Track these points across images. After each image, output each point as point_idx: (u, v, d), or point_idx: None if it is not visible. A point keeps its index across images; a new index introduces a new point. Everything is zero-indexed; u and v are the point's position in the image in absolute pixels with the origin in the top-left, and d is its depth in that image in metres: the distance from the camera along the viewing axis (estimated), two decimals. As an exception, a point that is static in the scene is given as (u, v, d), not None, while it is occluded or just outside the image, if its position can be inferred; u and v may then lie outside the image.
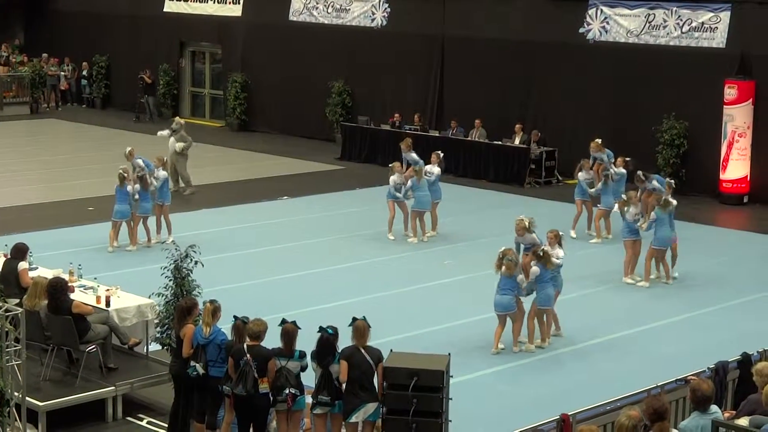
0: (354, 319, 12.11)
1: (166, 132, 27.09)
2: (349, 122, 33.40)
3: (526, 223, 17.38)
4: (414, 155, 24.12)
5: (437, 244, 22.55)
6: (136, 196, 21.31)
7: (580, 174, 23.34)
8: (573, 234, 22.56)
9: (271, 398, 12.05)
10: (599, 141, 24.44)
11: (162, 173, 22.16)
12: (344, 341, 12.14)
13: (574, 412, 11.65)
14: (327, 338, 12.00)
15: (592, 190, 23.13)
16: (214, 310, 12.60)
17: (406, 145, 24.60)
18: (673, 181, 21.83)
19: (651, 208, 20.53)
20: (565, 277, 17.57)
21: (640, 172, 22.31)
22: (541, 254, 16.44)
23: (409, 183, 22.63)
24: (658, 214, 19.79)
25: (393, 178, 22.76)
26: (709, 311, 18.72)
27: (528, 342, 16.58)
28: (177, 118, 28.47)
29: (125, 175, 21.30)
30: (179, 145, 26.53)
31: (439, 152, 24.17)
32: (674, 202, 20.34)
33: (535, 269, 16.42)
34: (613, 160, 23.75)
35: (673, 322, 18.10)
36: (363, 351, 11.91)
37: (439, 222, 23.25)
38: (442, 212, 23.49)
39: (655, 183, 22.05)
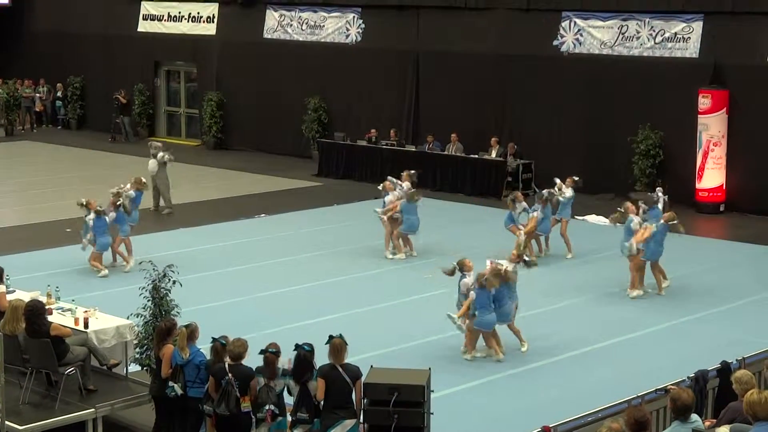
0: (330, 337, 12.10)
1: (154, 161, 26.87)
2: (325, 138, 33.43)
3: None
4: (395, 193, 23.06)
5: (415, 259, 22.55)
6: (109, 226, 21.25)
7: (518, 205, 22.58)
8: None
9: (253, 416, 12.03)
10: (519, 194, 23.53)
11: (132, 193, 22.07)
12: (322, 359, 12.12)
13: (555, 424, 11.66)
14: (304, 355, 12.00)
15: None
16: (190, 333, 12.57)
17: (389, 188, 23.24)
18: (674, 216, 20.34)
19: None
20: (543, 290, 17.59)
21: (642, 199, 21.59)
22: (484, 282, 16.42)
23: (399, 206, 22.52)
24: (659, 228, 19.75)
25: (390, 199, 22.61)
26: (688, 320, 18.76)
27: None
28: (156, 144, 28.07)
29: (101, 209, 21.19)
30: (157, 160, 26.50)
31: (413, 171, 24.08)
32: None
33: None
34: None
35: (652, 331, 18.12)
36: (340, 369, 11.89)
37: (418, 236, 23.17)
38: (421, 226, 23.40)
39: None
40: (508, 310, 16.70)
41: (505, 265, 16.83)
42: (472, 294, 16.36)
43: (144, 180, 23.15)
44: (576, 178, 23.37)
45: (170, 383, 12.48)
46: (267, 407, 11.95)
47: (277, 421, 12.05)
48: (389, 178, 23.76)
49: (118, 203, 21.51)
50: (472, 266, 16.92)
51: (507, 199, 23.21)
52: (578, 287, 20.51)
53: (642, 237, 19.73)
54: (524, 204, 22.74)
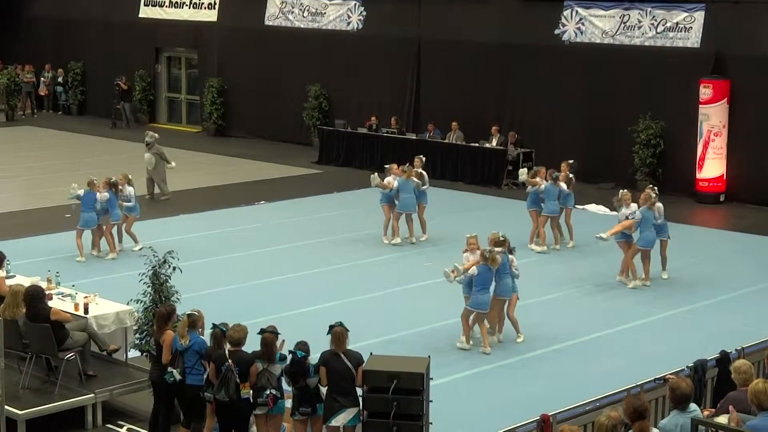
0: (331, 327, 12.10)
1: (149, 154, 26.70)
2: (326, 126, 33.40)
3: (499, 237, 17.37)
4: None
5: (416, 247, 22.55)
6: (98, 206, 21.20)
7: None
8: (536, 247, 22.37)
9: (252, 400, 12.05)
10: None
11: (129, 189, 21.95)
12: (324, 347, 12.13)
13: (554, 413, 11.67)
14: (298, 360, 11.98)
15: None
16: (191, 322, 12.56)
17: (395, 171, 23.25)
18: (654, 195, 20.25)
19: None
20: (542, 279, 17.54)
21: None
22: (487, 255, 16.49)
23: (396, 183, 22.48)
24: (645, 214, 19.72)
25: (389, 179, 22.55)
26: (688, 310, 18.78)
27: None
28: (151, 132, 28.00)
29: (95, 180, 21.22)
30: (153, 161, 26.40)
31: (422, 156, 23.98)
32: (661, 205, 20.18)
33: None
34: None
35: (652, 321, 18.14)
36: (342, 356, 11.90)
37: (417, 228, 23.11)
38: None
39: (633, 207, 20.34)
40: (508, 287, 16.72)
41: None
42: (475, 269, 16.38)
43: (130, 176, 22.72)
44: (571, 162, 23.33)
45: (169, 369, 12.50)
46: (268, 392, 11.97)
47: (277, 403, 12.07)
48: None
49: (112, 181, 21.49)
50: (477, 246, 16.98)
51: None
52: (577, 277, 20.51)
53: (621, 228, 19.80)
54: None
